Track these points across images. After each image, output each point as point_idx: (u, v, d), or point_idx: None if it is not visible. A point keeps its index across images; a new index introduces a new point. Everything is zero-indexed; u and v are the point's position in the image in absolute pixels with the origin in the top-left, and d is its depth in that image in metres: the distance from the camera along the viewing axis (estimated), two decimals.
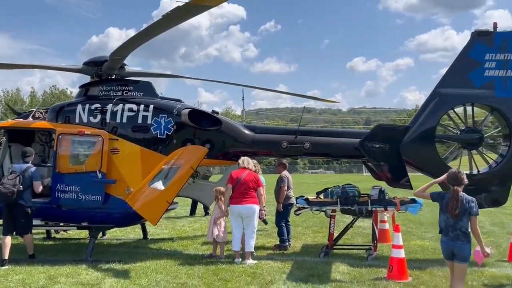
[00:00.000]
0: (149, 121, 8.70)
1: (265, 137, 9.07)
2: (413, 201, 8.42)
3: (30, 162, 8.22)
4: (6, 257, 7.75)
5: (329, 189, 8.82)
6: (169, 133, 8.67)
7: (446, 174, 5.51)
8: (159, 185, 7.82)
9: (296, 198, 8.95)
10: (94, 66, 9.37)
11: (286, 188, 9.36)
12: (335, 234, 8.85)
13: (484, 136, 8.42)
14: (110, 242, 10.39)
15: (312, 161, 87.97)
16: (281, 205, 9.34)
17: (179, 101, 9.48)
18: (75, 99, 9.80)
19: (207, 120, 8.99)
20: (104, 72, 9.34)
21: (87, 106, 8.92)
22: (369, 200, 8.39)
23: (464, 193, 5.27)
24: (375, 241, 8.52)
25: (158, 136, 8.67)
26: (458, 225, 5.14)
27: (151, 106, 8.82)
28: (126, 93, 9.22)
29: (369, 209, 8.34)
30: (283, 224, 9.43)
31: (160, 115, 8.73)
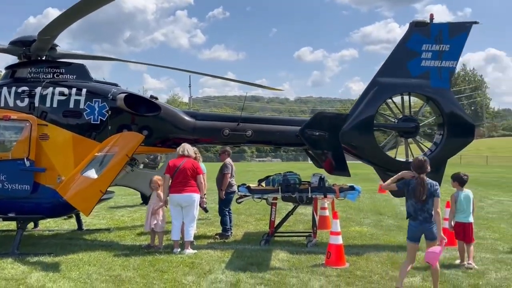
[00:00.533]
0: (81, 106, 8.22)
1: (206, 124, 8.85)
2: (351, 188, 8.54)
3: None
4: None
5: (271, 177, 8.77)
6: (103, 119, 8.23)
7: (412, 165, 5.82)
8: (92, 173, 7.42)
9: (238, 186, 8.83)
10: (21, 46, 8.70)
11: (229, 175, 9.22)
12: (277, 222, 8.84)
13: (420, 125, 8.65)
14: (42, 233, 9.82)
15: (259, 149, 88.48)
16: (224, 192, 9.19)
17: (115, 85, 9.03)
18: (0, 81, 9.09)
19: (144, 105, 8.62)
20: (33, 53, 8.70)
21: (13, 89, 8.28)
22: (309, 188, 8.41)
23: (427, 178, 5.64)
24: (315, 228, 8.57)
25: (92, 122, 8.21)
26: (425, 208, 5.55)
27: (84, 90, 8.33)
28: (57, 76, 8.65)
29: (310, 196, 8.37)
30: (226, 213, 9.30)
31: (94, 99, 8.27)
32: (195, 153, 8.31)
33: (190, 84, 76.10)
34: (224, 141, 8.92)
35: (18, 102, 8.20)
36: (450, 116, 8.39)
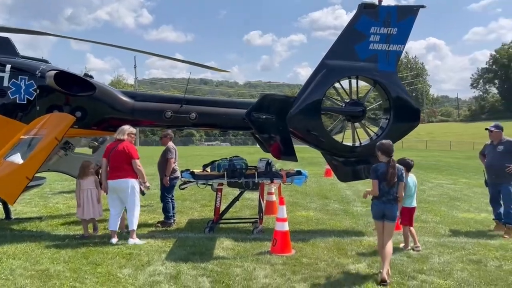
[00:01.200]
0: (5, 84, 7.44)
1: (147, 106, 8.30)
2: (298, 173, 8.34)
3: None
4: None
5: (216, 162, 8.39)
6: (31, 98, 7.51)
7: (380, 149, 5.78)
8: (17, 158, 6.74)
9: (181, 172, 8.39)
10: None
11: (173, 160, 8.75)
12: (223, 208, 8.52)
13: (367, 109, 8.57)
14: None
15: (208, 133, 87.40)
16: (168, 178, 8.71)
17: (45, 61, 8.25)
18: None
19: (77, 84, 7.93)
20: None
21: None
22: (256, 173, 8.13)
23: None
24: (261, 214, 8.32)
25: (17, 102, 7.46)
26: (392, 191, 5.67)
27: (8, 66, 7.53)
28: None
29: (256, 181, 8.10)
30: (169, 200, 8.85)
31: (20, 77, 7.50)
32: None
33: (135, 65, 74.00)
34: (166, 124, 8.43)
35: None
36: (396, 101, 8.35)
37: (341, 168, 8.58)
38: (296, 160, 7.73)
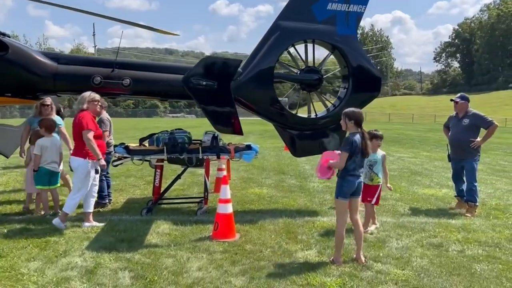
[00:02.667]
0: None
1: (72, 70, 7.19)
2: (248, 147, 7.52)
3: None
4: None
5: (155, 135, 7.44)
6: None
7: (352, 117, 5.14)
8: None
9: (114, 146, 7.41)
10: None
11: (108, 133, 7.72)
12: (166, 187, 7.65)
13: (324, 77, 7.77)
14: None
15: (173, 104, 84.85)
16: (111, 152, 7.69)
17: None
18: None
19: None
20: None
21: None
22: (200, 148, 7.25)
23: None
24: (206, 193, 7.50)
25: None
26: (362, 164, 5.22)
27: None
28: None
29: (200, 157, 7.23)
30: (103, 178, 7.85)
31: None
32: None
33: (94, 32, 70.07)
34: (94, 91, 7.34)
35: None
36: (356, 68, 7.59)
37: (296, 142, 7.81)
38: (242, 134, 6.88)
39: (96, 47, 73.35)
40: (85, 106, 6.39)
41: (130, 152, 7.17)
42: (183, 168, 7.65)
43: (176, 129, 7.59)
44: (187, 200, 8.15)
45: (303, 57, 7.66)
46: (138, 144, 7.49)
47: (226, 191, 6.10)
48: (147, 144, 7.51)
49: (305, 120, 7.72)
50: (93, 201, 6.65)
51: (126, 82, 7.16)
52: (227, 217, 6.02)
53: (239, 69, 7.48)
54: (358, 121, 5.10)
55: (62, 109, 10.56)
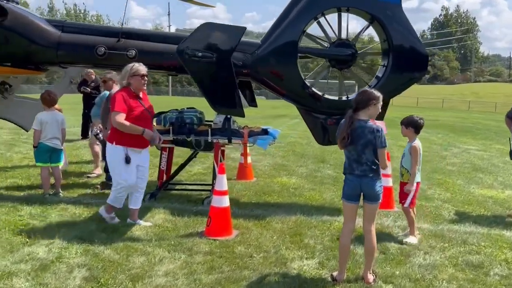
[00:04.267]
0: None
1: (75, 39, 6.62)
2: (264, 132, 6.59)
3: None
4: None
5: (163, 114, 6.72)
6: None
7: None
8: None
9: None
10: None
11: None
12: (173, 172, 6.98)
13: (359, 52, 6.59)
14: None
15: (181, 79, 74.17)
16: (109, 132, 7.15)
17: None
18: None
19: None
20: None
21: None
22: (209, 130, 6.44)
23: (367, 119, 4.05)
24: (215, 181, 6.71)
25: None
26: (363, 159, 4.00)
27: None
28: None
29: (209, 140, 6.42)
30: None
31: None
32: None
33: (169, 12, 71.09)
34: (97, 63, 6.76)
35: None
36: (399, 43, 6.35)
37: (323, 129, 6.75)
38: (243, 115, 5.96)
39: (171, 26, 74.46)
40: (125, 82, 5.24)
41: None
42: (192, 152, 6.88)
43: (188, 108, 6.85)
44: (198, 187, 7.41)
45: (335, 29, 6.53)
46: None
47: (222, 182, 5.24)
48: (154, 123, 6.81)
49: (335, 103, 6.62)
50: (137, 196, 5.51)
51: (131, 53, 6.47)
52: (222, 212, 5.19)
53: (259, 41, 6.55)
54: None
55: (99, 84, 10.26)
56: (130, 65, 5.22)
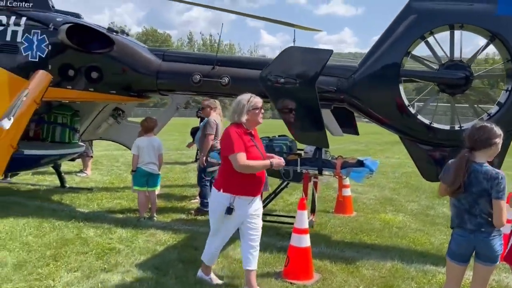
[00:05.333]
0: (19, 39, 6.66)
1: (173, 67, 6.77)
2: (360, 163, 5.96)
3: None
4: None
5: None
6: (43, 56, 6.60)
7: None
8: (6, 123, 5.88)
9: (209, 151, 6.76)
10: None
11: (212, 136, 7.15)
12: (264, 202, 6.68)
13: (474, 75, 5.66)
14: (4, 186, 8.81)
15: None
16: (205, 158, 7.14)
17: (77, 16, 7.29)
18: None
19: (93, 39, 6.78)
20: None
21: None
22: (298, 159, 6.03)
23: (485, 163, 3.36)
24: (314, 205, 6.32)
25: (29, 59, 6.63)
26: (477, 209, 3.30)
27: (23, 19, 6.73)
28: (10, 3, 7.12)
29: (298, 171, 6.01)
30: (207, 183, 7.30)
31: (33, 31, 6.65)
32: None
33: (294, 39, 72.49)
34: (193, 91, 6.81)
35: None
36: None
37: (431, 162, 5.91)
38: (327, 146, 5.40)
39: None
40: (243, 118, 4.19)
41: None
42: (281, 182, 6.51)
43: (279, 136, 6.54)
44: (290, 219, 6.97)
45: (446, 49, 5.70)
46: None
47: (302, 218, 4.77)
48: None
49: (446, 133, 5.75)
50: (250, 256, 4.32)
51: (225, 80, 6.40)
52: (301, 252, 4.71)
53: (356, 65, 6.02)
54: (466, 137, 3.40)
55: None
56: (245, 98, 4.25)
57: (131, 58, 6.78)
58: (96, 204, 7.65)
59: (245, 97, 4.28)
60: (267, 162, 4.24)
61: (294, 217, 6.98)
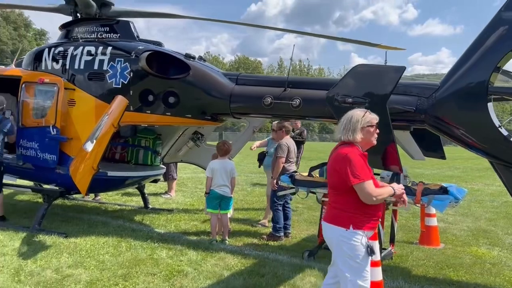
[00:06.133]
0: (105, 67, 7.10)
1: (245, 90, 6.76)
2: (443, 191, 5.40)
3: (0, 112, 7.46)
4: None
5: (326, 166, 6.19)
6: (125, 82, 6.96)
7: None
8: (89, 146, 6.24)
9: (281, 174, 6.58)
10: (72, 4, 8.00)
11: (284, 160, 7.02)
12: None
13: None
14: (94, 205, 9.34)
15: None
16: (276, 181, 7.01)
17: (159, 44, 7.64)
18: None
19: (170, 65, 7.01)
20: (81, 11, 7.93)
21: (53, 49, 7.68)
22: None
23: None
24: (393, 236, 5.87)
25: (113, 86, 7.02)
26: None
27: (109, 49, 7.17)
28: (100, 35, 7.69)
29: None
30: (279, 208, 7.13)
31: (117, 59, 7.04)
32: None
33: (386, 60, 70.44)
34: (265, 114, 6.73)
35: (54, 64, 7.54)
36: None
37: None
38: (400, 171, 4.92)
39: None
40: (358, 136, 3.58)
41: (296, 182, 6.19)
42: None
43: None
44: None
45: None
46: (307, 174, 6.41)
47: (376, 252, 4.35)
48: (317, 174, 6.35)
49: None
50: None
51: (296, 102, 6.23)
52: (372, 287, 4.30)
53: (438, 82, 5.54)
54: None
55: (304, 132, 10.43)
56: (358, 113, 3.64)
57: (205, 83, 6.91)
58: (173, 225, 7.81)
59: (358, 112, 3.66)
60: (390, 189, 3.69)
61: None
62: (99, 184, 7.30)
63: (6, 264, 5.39)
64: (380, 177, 5.85)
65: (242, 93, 6.72)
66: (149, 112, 6.97)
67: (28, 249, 6.04)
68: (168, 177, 11.04)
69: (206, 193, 6.90)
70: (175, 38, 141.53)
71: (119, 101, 6.37)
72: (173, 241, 6.68)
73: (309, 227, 7.94)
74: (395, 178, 5.56)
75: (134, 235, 6.87)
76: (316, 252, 6.07)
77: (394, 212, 6.16)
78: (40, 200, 8.11)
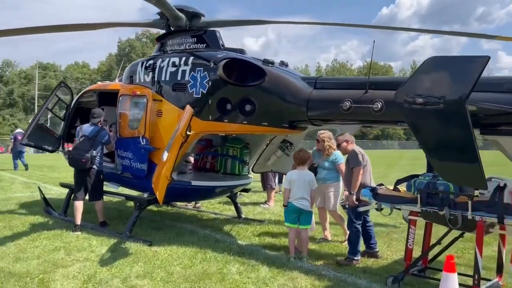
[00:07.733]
0: (186, 77, 7.13)
1: (322, 95, 6.16)
2: None
3: (99, 124, 8.00)
4: (78, 222, 7.73)
5: (414, 178, 5.32)
6: (204, 91, 6.89)
7: None
8: (165, 155, 6.28)
9: (363, 188, 5.83)
10: (164, 18, 8.27)
11: (361, 169, 6.19)
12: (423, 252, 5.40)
13: None
14: (192, 213, 9.46)
15: None
16: (354, 197, 6.15)
17: (241, 52, 7.47)
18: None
19: (247, 72, 6.73)
20: (172, 24, 8.14)
21: (145, 63, 8.02)
22: (469, 202, 4.63)
23: None
24: (500, 275, 4.78)
25: (194, 95, 7.01)
26: None
27: (191, 59, 7.19)
28: (188, 46, 7.80)
29: (469, 217, 4.62)
30: (357, 228, 6.29)
31: (197, 69, 7.02)
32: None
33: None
34: (343, 119, 6.04)
35: (145, 76, 7.86)
36: None
37: None
38: (485, 187, 3.85)
39: None
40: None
41: (378, 197, 5.45)
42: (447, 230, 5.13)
43: None
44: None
45: None
46: (392, 188, 5.59)
47: (447, 284, 3.53)
48: (404, 188, 5.49)
49: None
50: None
51: (377, 106, 5.48)
52: None
53: None
54: None
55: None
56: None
57: (281, 89, 6.49)
58: (258, 237, 7.53)
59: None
60: None
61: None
62: (183, 193, 7.38)
63: (83, 270, 5.62)
64: (479, 193, 4.79)
65: (319, 98, 6.17)
66: (226, 121, 6.81)
67: (111, 256, 6.28)
68: (267, 186, 10.86)
69: (284, 205, 6.48)
70: (304, 48, 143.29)
71: (187, 111, 6.32)
72: (250, 254, 6.38)
73: (391, 248, 6.99)
74: (497, 194, 4.51)
75: (214, 246, 6.74)
76: (402, 278, 5.21)
77: (502, 236, 5.03)
78: (148, 208, 8.40)
